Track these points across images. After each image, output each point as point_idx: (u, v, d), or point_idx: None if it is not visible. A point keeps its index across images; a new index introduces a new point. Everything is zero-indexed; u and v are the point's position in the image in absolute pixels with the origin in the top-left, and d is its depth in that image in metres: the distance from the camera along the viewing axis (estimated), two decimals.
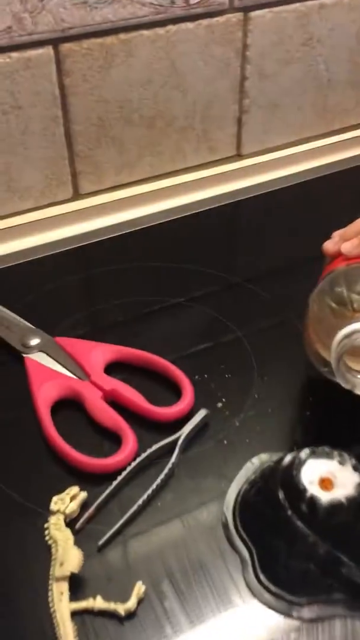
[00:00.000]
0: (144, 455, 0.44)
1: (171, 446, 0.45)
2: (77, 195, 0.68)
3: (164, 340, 0.55)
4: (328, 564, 0.36)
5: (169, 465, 0.44)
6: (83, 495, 0.42)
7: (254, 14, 0.65)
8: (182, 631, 0.36)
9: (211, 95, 0.68)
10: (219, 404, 0.49)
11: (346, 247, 0.45)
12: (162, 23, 0.61)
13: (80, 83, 0.61)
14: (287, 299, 0.58)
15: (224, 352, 0.54)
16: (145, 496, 0.42)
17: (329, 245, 0.46)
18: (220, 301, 0.59)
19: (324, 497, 0.36)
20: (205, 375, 0.51)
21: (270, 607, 0.37)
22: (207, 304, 0.58)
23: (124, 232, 0.69)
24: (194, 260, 0.64)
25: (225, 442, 0.47)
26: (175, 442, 0.45)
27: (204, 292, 0.60)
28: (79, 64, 0.60)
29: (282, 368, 0.52)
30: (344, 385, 0.42)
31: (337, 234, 0.47)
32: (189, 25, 0.62)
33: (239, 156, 0.75)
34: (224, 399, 0.49)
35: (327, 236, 0.48)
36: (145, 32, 0.61)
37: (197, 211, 0.72)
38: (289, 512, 0.37)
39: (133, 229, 0.69)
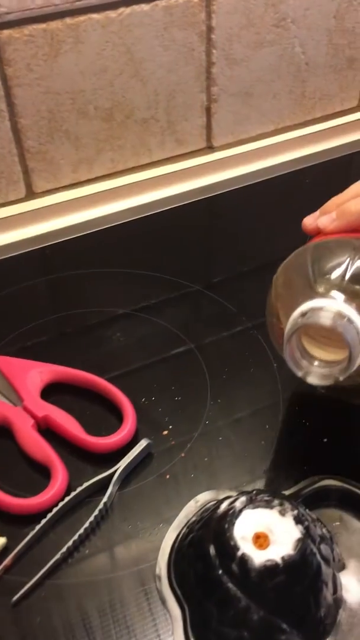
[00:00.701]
0: (72, 494, 0.39)
1: (106, 482, 0.41)
2: (31, 194, 0.63)
3: (111, 356, 0.50)
4: (264, 632, 0.32)
5: (100, 505, 0.39)
6: (1, 541, 0.38)
7: None
8: None
9: (174, 84, 0.63)
10: (165, 432, 0.44)
11: (322, 221, 0.40)
12: (113, 5, 0.55)
13: (25, 73, 0.56)
14: (252, 307, 0.53)
15: (176, 371, 0.49)
16: (70, 542, 0.38)
17: (308, 221, 0.41)
18: (178, 311, 0.54)
19: (257, 557, 0.31)
20: (153, 398, 0.47)
21: None
22: (163, 314, 0.53)
23: (83, 233, 0.64)
24: (157, 266, 0.59)
25: (167, 476, 0.42)
26: (110, 476, 0.41)
27: (161, 300, 0.55)
28: (21, 52, 0.54)
29: (238, 389, 0.47)
30: (294, 371, 0.36)
31: (319, 210, 0.42)
32: (144, 7, 0.57)
33: (210, 148, 0.70)
34: (171, 426, 0.45)
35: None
36: (94, 16, 0.55)
37: (164, 209, 0.67)
38: (220, 572, 0.32)
39: (93, 230, 0.64)
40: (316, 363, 0.36)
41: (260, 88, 0.68)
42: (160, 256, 0.61)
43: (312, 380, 0.36)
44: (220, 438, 0.44)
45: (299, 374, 0.36)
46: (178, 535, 0.38)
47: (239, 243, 0.62)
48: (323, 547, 0.34)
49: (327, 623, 0.33)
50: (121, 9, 0.56)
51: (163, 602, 0.35)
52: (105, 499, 0.39)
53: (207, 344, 0.51)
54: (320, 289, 0.35)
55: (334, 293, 0.35)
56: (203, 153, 0.70)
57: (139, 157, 0.66)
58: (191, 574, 0.34)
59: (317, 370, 0.36)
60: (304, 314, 0.34)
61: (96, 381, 0.46)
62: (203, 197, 0.68)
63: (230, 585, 0.32)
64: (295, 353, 0.36)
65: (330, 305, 0.34)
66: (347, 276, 0.35)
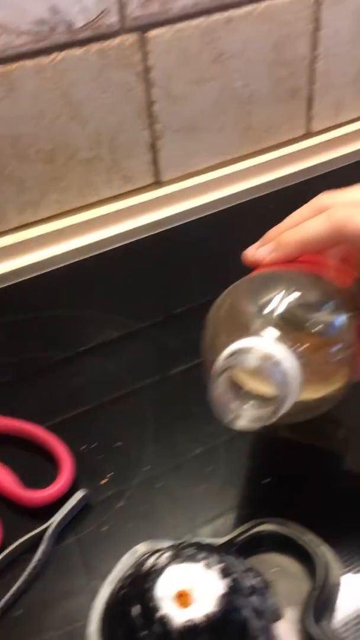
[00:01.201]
0: (5, 552, 0.38)
1: (41, 537, 0.40)
2: None
3: (49, 403, 0.49)
4: None
5: (33, 563, 0.38)
6: None
7: (151, 33, 0.59)
8: None
9: (116, 123, 0.63)
10: (104, 480, 0.44)
11: (260, 252, 0.39)
12: (45, 51, 0.56)
13: None
14: (196, 345, 0.53)
15: (118, 415, 0.48)
16: (2, 603, 0.37)
17: (249, 252, 0.40)
18: (117, 351, 0.54)
19: (178, 617, 0.30)
20: (93, 445, 0.46)
21: None
22: (108, 356, 0.53)
23: (31, 275, 0.63)
24: (105, 305, 0.58)
25: (105, 528, 0.41)
26: (44, 531, 0.40)
27: (105, 342, 0.55)
28: None
29: (179, 432, 0.46)
30: (221, 415, 0.34)
31: (260, 240, 0.41)
32: (77, 51, 0.57)
33: (158, 184, 0.70)
34: (110, 474, 0.44)
35: None
36: (27, 63, 0.55)
37: (114, 246, 0.67)
38: (142, 634, 0.31)
39: (40, 272, 0.64)
40: (249, 403, 0.35)
41: (204, 122, 0.68)
42: (111, 295, 0.60)
43: (241, 424, 0.34)
44: (161, 484, 0.43)
45: (227, 418, 0.34)
46: (113, 591, 0.37)
47: (184, 278, 0.62)
48: (255, 599, 0.33)
49: None
50: (54, 54, 0.56)
51: None
52: (37, 556, 0.38)
53: (150, 385, 0.50)
54: (252, 327, 0.34)
55: (266, 331, 0.33)
56: (151, 188, 0.70)
57: (86, 197, 0.66)
58: (119, 634, 0.33)
59: (248, 413, 0.35)
60: (231, 354, 0.33)
61: (32, 430, 0.45)
62: (154, 233, 0.68)
63: None
64: (222, 397, 0.34)
65: (258, 346, 0.32)
66: (279, 312, 0.34)
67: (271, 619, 0.34)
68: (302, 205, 0.39)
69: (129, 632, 0.32)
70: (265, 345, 0.32)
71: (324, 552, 0.37)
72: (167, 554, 0.33)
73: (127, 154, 0.66)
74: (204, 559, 0.33)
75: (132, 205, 0.68)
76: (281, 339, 0.33)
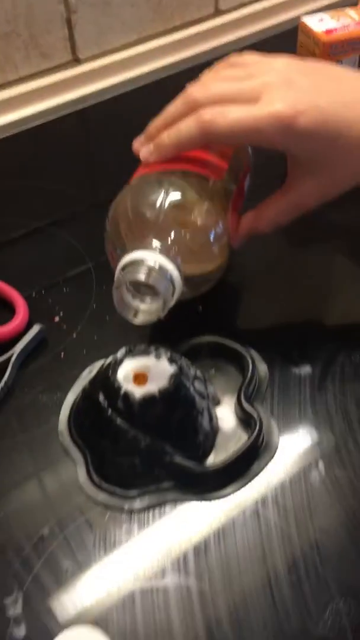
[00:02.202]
0: None
1: (5, 365, 0.44)
2: None
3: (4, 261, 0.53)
4: (152, 456, 0.37)
5: (2, 384, 0.43)
6: None
7: None
8: (20, 544, 0.37)
9: None
10: (57, 318, 0.49)
11: (143, 154, 0.43)
12: None
13: None
14: None
15: (60, 266, 0.53)
16: None
17: (135, 147, 0.44)
18: (67, 222, 0.57)
19: (137, 391, 0.37)
20: (43, 292, 0.50)
21: (104, 504, 0.38)
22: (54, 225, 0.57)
23: None
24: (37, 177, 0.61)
25: (62, 355, 0.46)
26: (8, 360, 0.44)
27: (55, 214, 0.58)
28: None
29: None
30: (124, 315, 0.41)
31: (143, 135, 0.44)
32: None
33: (76, 61, 0.71)
34: (61, 313, 0.49)
35: None
36: None
37: (35, 124, 0.69)
38: (109, 412, 0.37)
39: None
40: (145, 301, 0.40)
41: None
42: (38, 172, 0.63)
43: (140, 320, 0.40)
44: (107, 318, 0.48)
45: (128, 317, 0.40)
46: (75, 399, 0.43)
47: (114, 153, 0.66)
48: (197, 384, 0.40)
49: (206, 446, 0.40)
50: None
51: (66, 452, 0.40)
52: (5, 377, 0.43)
53: (87, 234, 0.54)
54: (139, 233, 0.40)
55: (150, 241, 0.39)
56: (70, 66, 0.71)
57: (6, 73, 0.67)
58: (87, 423, 0.40)
59: (144, 309, 0.40)
60: (123, 269, 0.39)
61: None
62: (73, 110, 0.71)
63: (118, 421, 0.37)
64: (121, 301, 0.40)
65: (144, 259, 0.38)
66: (161, 217, 0.40)
67: (212, 403, 0.41)
68: None
69: (96, 415, 0.38)
70: (149, 258, 0.38)
71: (251, 353, 0.44)
72: (121, 351, 0.39)
73: (44, 29, 0.67)
74: (154, 351, 0.39)
75: (52, 83, 0.70)
76: (163, 247, 0.39)
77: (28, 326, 0.47)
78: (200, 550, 0.36)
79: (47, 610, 0.34)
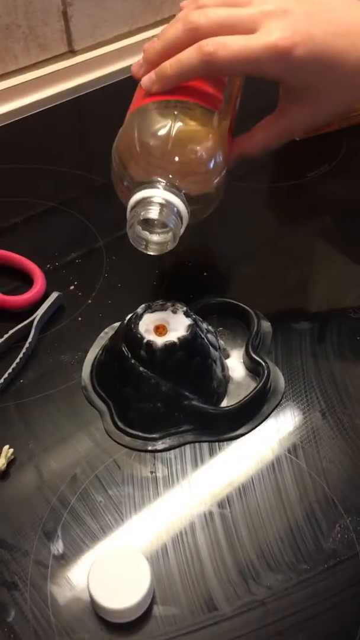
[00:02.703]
0: (1, 340, 0.46)
1: (28, 329, 0.48)
2: None
3: (17, 238, 0.56)
4: (172, 400, 0.41)
5: (27, 345, 0.47)
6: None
7: None
8: (55, 483, 0.40)
9: None
10: (72, 287, 0.52)
11: (145, 84, 0.43)
12: None
13: None
14: None
15: (72, 241, 0.56)
16: (6, 375, 0.45)
17: (133, 71, 0.44)
18: (76, 201, 0.61)
19: (159, 341, 0.40)
20: (56, 263, 0.54)
21: (129, 447, 0.42)
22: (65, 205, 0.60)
23: None
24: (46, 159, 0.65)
25: (80, 319, 0.50)
26: (30, 324, 0.48)
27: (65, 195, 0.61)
28: None
29: (128, 245, 0.55)
30: (138, 247, 0.43)
31: (143, 58, 0.44)
32: None
33: (72, 52, 0.75)
34: (75, 282, 0.52)
35: None
36: None
37: (36, 111, 0.72)
38: (132, 361, 0.41)
39: None
40: (156, 232, 0.43)
41: None
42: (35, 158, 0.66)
43: (153, 251, 0.43)
44: (119, 284, 0.52)
45: (140, 247, 0.43)
46: (95, 356, 0.46)
47: (110, 140, 0.69)
48: (209, 336, 0.44)
49: (219, 392, 0.44)
50: None
51: (92, 404, 0.44)
52: (30, 338, 0.47)
53: (96, 212, 0.58)
54: (144, 166, 0.42)
55: (156, 181, 0.41)
56: (66, 57, 0.75)
57: (6, 64, 0.70)
58: (110, 374, 0.43)
59: (155, 240, 0.43)
60: (134, 206, 0.41)
61: (2, 253, 0.52)
62: (71, 98, 0.74)
63: (141, 368, 0.41)
64: (136, 236, 0.43)
65: (153, 197, 0.40)
66: (166, 151, 0.41)
67: (223, 354, 0.45)
68: None
69: (119, 365, 0.42)
70: (157, 195, 0.41)
71: (255, 311, 0.48)
72: (141, 307, 0.43)
73: (42, 21, 0.70)
74: (171, 306, 0.43)
75: (50, 73, 0.73)
76: (170, 181, 0.41)
77: (46, 295, 0.50)
78: (220, 482, 0.40)
79: (85, 537, 0.38)
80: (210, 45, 0.40)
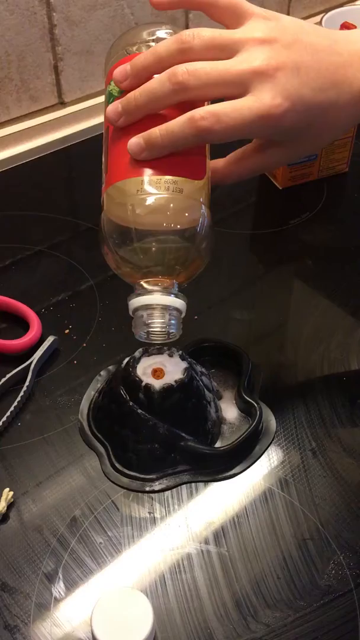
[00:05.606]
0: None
1: (25, 373, 0.49)
2: None
3: (13, 282, 0.58)
4: (169, 441, 0.43)
5: (24, 388, 0.48)
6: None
7: None
8: (55, 525, 0.41)
9: (23, 45, 0.70)
10: (67, 331, 0.53)
11: (133, 150, 0.41)
12: None
13: None
14: None
15: (64, 282, 0.58)
16: (4, 417, 0.46)
17: (111, 115, 0.41)
18: (65, 245, 0.63)
19: (157, 384, 0.42)
20: (51, 308, 0.55)
21: (128, 488, 0.43)
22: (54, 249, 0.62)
23: None
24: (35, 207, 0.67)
25: (75, 362, 0.51)
26: (27, 368, 0.49)
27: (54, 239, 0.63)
28: None
29: (120, 289, 0.57)
30: (141, 339, 0.41)
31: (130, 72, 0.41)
32: None
33: (62, 104, 0.78)
34: (70, 326, 0.54)
35: None
36: None
37: (25, 161, 0.74)
38: (131, 404, 0.42)
39: None
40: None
41: (99, 47, 0.77)
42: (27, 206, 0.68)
43: (155, 340, 0.41)
44: (113, 328, 0.54)
45: (143, 338, 0.41)
46: (91, 399, 0.47)
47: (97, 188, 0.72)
48: (204, 378, 0.45)
49: (214, 433, 0.45)
50: None
51: (89, 446, 0.45)
52: (27, 382, 0.48)
53: (89, 258, 0.60)
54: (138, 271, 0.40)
55: (150, 287, 0.40)
56: (56, 109, 0.78)
57: None
58: (108, 416, 0.44)
59: (155, 331, 0.41)
60: (135, 311, 0.41)
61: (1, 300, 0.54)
62: (60, 148, 0.77)
63: (139, 411, 0.42)
64: (141, 332, 0.41)
65: (154, 323, 0.40)
66: (164, 262, 0.40)
67: (216, 396, 0.47)
68: None
69: (118, 408, 0.43)
70: (158, 306, 0.40)
71: (247, 355, 0.50)
72: (138, 351, 0.44)
73: (34, 75, 0.73)
74: (167, 350, 0.44)
75: (40, 123, 0.76)
76: (163, 287, 0.40)
77: (42, 339, 0.52)
78: (216, 521, 0.41)
79: (86, 578, 0.38)
80: (205, 120, 0.39)
